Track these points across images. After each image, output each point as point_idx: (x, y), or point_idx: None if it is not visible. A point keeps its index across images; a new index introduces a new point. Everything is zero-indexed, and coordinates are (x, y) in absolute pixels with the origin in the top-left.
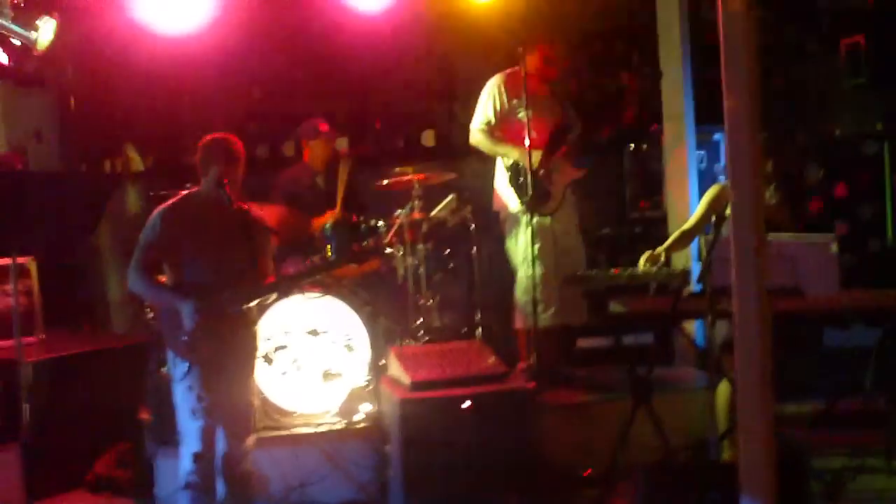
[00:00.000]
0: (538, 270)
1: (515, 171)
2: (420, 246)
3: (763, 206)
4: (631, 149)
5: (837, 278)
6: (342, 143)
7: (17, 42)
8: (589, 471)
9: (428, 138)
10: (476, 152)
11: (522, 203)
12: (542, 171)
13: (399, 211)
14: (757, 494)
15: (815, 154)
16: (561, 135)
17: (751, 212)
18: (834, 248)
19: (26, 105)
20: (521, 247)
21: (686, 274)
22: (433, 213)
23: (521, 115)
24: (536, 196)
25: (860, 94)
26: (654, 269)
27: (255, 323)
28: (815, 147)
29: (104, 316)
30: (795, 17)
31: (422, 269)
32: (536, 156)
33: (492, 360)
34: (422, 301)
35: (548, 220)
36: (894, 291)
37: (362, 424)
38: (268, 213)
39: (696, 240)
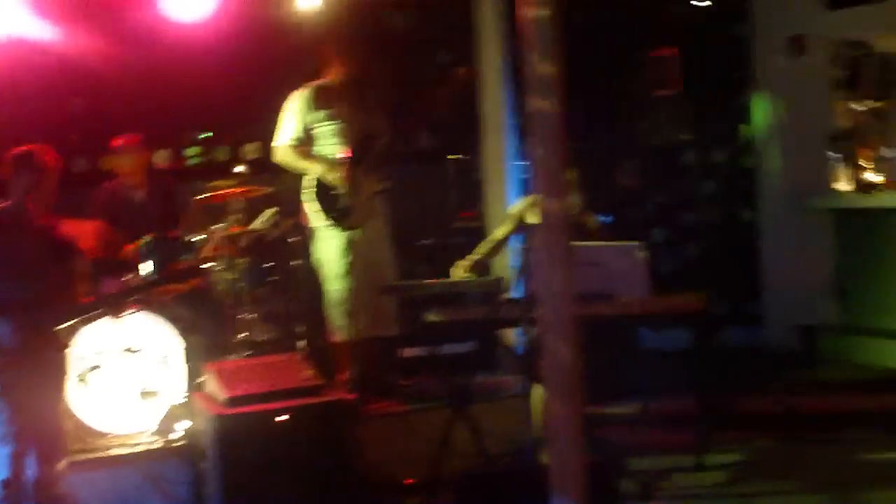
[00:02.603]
0: (349, 284)
1: (319, 186)
2: (240, 260)
3: (568, 213)
4: (452, 159)
5: (647, 283)
6: (161, 157)
7: None
8: (411, 480)
9: (251, 152)
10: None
11: (327, 218)
12: (344, 185)
13: (218, 225)
14: (567, 496)
15: (633, 162)
16: (365, 145)
17: (555, 219)
18: (642, 253)
19: None
20: (330, 261)
21: (501, 282)
22: (252, 226)
23: (328, 127)
24: (339, 211)
25: (672, 104)
26: (469, 277)
27: (66, 343)
28: (633, 155)
29: None
30: (611, 27)
31: (242, 284)
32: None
33: (309, 372)
34: (243, 316)
35: (357, 232)
36: (699, 294)
37: (180, 442)
38: (84, 229)
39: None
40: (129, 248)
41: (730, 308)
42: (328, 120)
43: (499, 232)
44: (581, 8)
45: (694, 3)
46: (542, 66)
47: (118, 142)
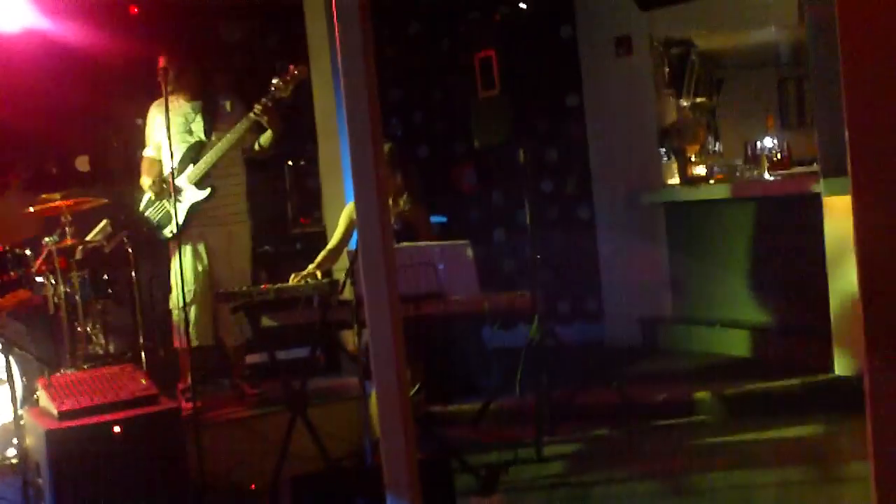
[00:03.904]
0: (189, 291)
1: (145, 199)
2: (74, 273)
3: (388, 215)
4: (290, 165)
5: (476, 281)
6: None
7: None
8: (253, 485)
9: (82, 163)
10: (130, 177)
11: (150, 229)
12: (160, 195)
13: (47, 238)
14: (400, 494)
15: (468, 164)
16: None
17: (375, 220)
18: (470, 251)
19: None
20: (173, 269)
21: (333, 284)
22: (88, 238)
23: (162, 137)
24: (156, 222)
25: (502, 105)
26: (302, 282)
27: None
28: (467, 157)
29: None
30: (436, 32)
31: (78, 297)
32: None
33: (143, 382)
34: (80, 328)
35: (199, 241)
36: (525, 292)
37: (14, 460)
38: None
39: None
40: None
41: (571, 305)
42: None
43: (333, 239)
44: (408, 10)
45: (521, 5)
46: (353, 62)
47: None
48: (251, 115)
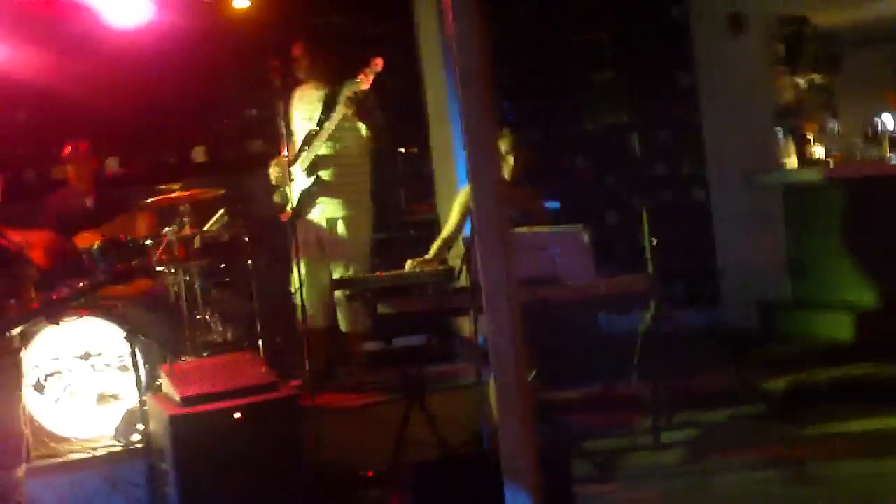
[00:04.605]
0: (307, 278)
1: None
2: (193, 262)
3: (503, 202)
4: (402, 151)
5: (592, 265)
6: (111, 163)
7: None
8: (370, 472)
9: (198, 154)
10: (246, 166)
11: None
12: (280, 182)
13: (167, 228)
14: (519, 480)
15: (581, 148)
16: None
17: (491, 207)
18: (586, 236)
19: None
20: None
21: (450, 271)
22: (205, 228)
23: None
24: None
25: (606, 87)
26: (418, 269)
27: (18, 351)
28: (580, 141)
29: None
30: (546, 14)
31: (197, 285)
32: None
33: (262, 369)
34: (198, 316)
35: (317, 227)
36: (646, 275)
37: (139, 445)
38: (33, 239)
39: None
40: (80, 254)
41: (686, 289)
42: (299, 120)
43: (447, 227)
44: None
45: None
46: (466, 46)
47: (66, 150)
48: (339, 107)
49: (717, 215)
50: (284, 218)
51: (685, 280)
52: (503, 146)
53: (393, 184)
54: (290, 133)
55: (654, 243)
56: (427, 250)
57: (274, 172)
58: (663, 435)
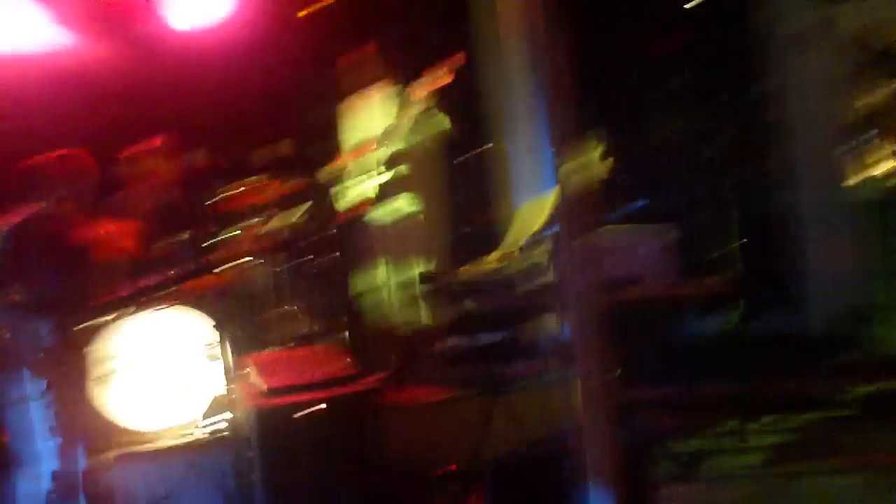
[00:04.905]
0: (388, 273)
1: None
2: (280, 254)
3: (589, 201)
4: (486, 148)
5: (675, 266)
6: (195, 156)
7: None
8: (450, 467)
9: (283, 147)
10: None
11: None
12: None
13: (251, 221)
14: (601, 479)
15: (663, 150)
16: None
17: (574, 205)
18: (669, 237)
19: None
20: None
21: (536, 269)
22: (290, 221)
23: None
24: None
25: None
26: (505, 265)
27: (108, 339)
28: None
29: None
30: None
31: (283, 277)
32: None
33: (345, 362)
34: (280, 308)
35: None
36: (731, 277)
37: (225, 433)
38: (120, 230)
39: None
40: (165, 246)
41: (771, 292)
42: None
43: (530, 225)
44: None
45: None
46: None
47: (154, 143)
48: (412, 101)
49: (803, 220)
50: (359, 213)
51: (770, 283)
52: (589, 150)
53: (478, 179)
54: (361, 131)
55: (740, 245)
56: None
57: (346, 169)
58: (748, 437)
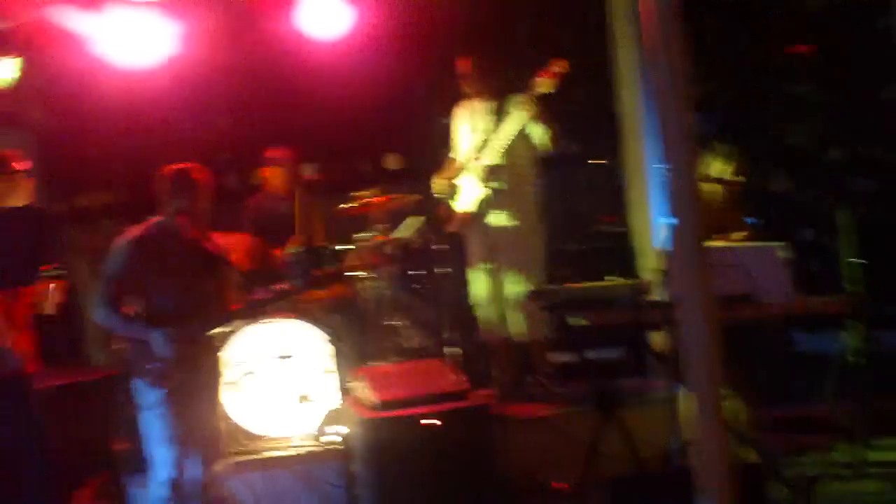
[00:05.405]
0: (496, 288)
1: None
2: (385, 268)
3: (702, 215)
4: (593, 163)
5: (790, 283)
6: (308, 169)
7: None
8: (560, 484)
9: (392, 161)
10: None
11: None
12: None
13: (363, 234)
14: (712, 499)
15: (779, 162)
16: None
17: (689, 221)
18: (784, 253)
19: (3, 143)
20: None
21: (646, 285)
22: (397, 235)
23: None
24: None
25: (806, 101)
26: (615, 281)
27: (221, 349)
28: (777, 155)
29: (82, 350)
30: (742, 25)
31: (388, 291)
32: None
33: (454, 377)
34: (390, 322)
35: (503, 236)
36: (843, 296)
37: (333, 445)
38: (234, 242)
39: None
40: (278, 258)
41: (890, 310)
42: (469, 133)
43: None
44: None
45: None
46: (664, 61)
47: (273, 154)
48: (513, 112)
49: None
50: (454, 228)
51: (889, 301)
52: (717, 163)
53: (584, 194)
54: (457, 145)
55: (858, 262)
56: (617, 262)
57: (438, 184)
58: (865, 461)
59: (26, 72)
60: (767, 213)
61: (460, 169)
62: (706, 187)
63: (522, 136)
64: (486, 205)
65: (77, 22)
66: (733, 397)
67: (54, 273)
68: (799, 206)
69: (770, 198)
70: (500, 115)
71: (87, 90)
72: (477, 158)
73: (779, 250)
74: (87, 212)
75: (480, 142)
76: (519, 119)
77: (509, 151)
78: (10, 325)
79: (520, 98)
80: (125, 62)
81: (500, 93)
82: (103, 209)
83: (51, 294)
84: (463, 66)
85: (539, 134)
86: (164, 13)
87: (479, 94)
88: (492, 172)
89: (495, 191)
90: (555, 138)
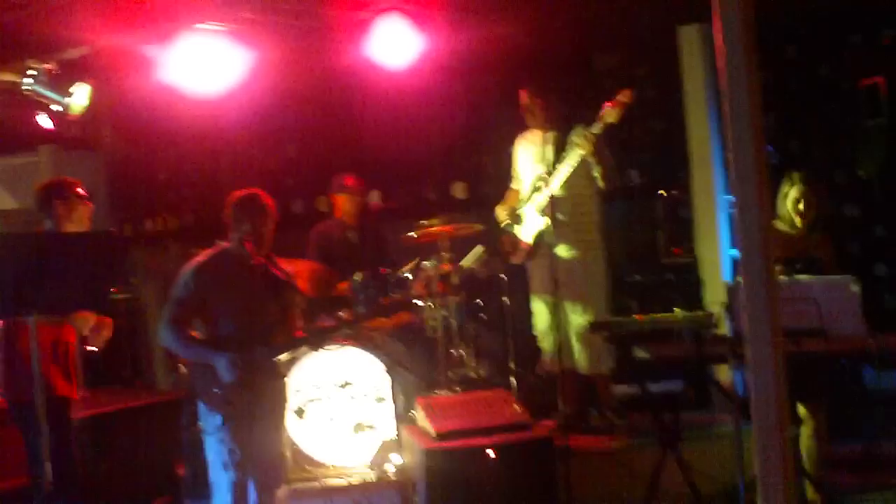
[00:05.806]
0: (559, 319)
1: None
2: (451, 297)
3: (772, 247)
4: (662, 193)
5: (861, 318)
6: (374, 197)
7: (56, 108)
8: None
9: (458, 190)
10: (500, 203)
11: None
12: (509, 225)
13: (427, 263)
14: None
15: (852, 194)
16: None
17: (757, 253)
18: (855, 288)
19: (76, 168)
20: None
21: (711, 318)
22: (462, 263)
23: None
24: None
25: (881, 133)
26: (681, 314)
27: (285, 376)
28: (850, 187)
29: (149, 373)
30: (815, 57)
31: (453, 320)
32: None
33: (516, 408)
34: (454, 352)
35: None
36: None
37: (392, 475)
38: (299, 269)
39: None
40: (343, 285)
41: None
42: (529, 164)
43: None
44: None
45: None
46: (735, 91)
47: (344, 181)
48: (574, 144)
49: None
50: (517, 259)
51: None
52: (794, 192)
53: (652, 226)
54: (519, 175)
55: None
56: (685, 294)
57: (502, 214)
58: None
59: (98, 98)
60: (841, 245)
61: (522, 200)
62: (784, 218)
63: (583, 168)
64: (548, 236)
65: (148, 49)
66: (803, 434)
67: (122, 296)
68: (873, 241)
69: (843, 230)
70: (561, 146)
71: (158, 116)
72: (538, 189)
73: (851, 284)
74: (156, 235)
75: (542, 173)
76: (578, 152)
77: (570, 183)
78: (48, 353)
79: (581, 131)
80: (195, 89)
81: (560, 124)
82: (171, 233)
83: (96, 329)
84: (523, 97)
85: (594, 169)
86: (234, 41)
87: (540, 126)
88: (553, 204)
89: (557, 222)
90: (606, 176)
